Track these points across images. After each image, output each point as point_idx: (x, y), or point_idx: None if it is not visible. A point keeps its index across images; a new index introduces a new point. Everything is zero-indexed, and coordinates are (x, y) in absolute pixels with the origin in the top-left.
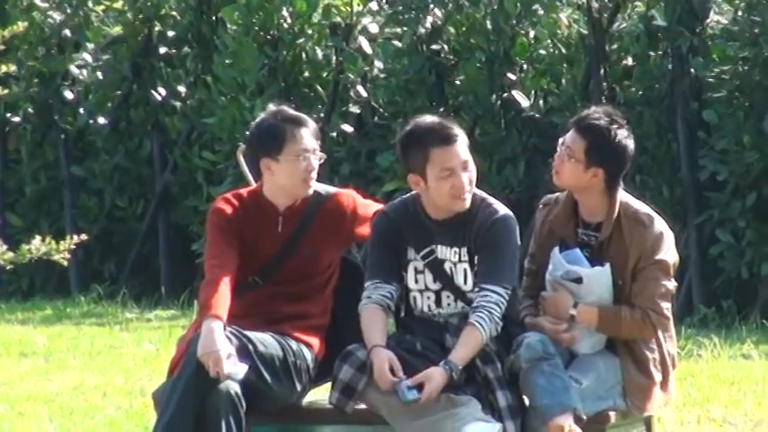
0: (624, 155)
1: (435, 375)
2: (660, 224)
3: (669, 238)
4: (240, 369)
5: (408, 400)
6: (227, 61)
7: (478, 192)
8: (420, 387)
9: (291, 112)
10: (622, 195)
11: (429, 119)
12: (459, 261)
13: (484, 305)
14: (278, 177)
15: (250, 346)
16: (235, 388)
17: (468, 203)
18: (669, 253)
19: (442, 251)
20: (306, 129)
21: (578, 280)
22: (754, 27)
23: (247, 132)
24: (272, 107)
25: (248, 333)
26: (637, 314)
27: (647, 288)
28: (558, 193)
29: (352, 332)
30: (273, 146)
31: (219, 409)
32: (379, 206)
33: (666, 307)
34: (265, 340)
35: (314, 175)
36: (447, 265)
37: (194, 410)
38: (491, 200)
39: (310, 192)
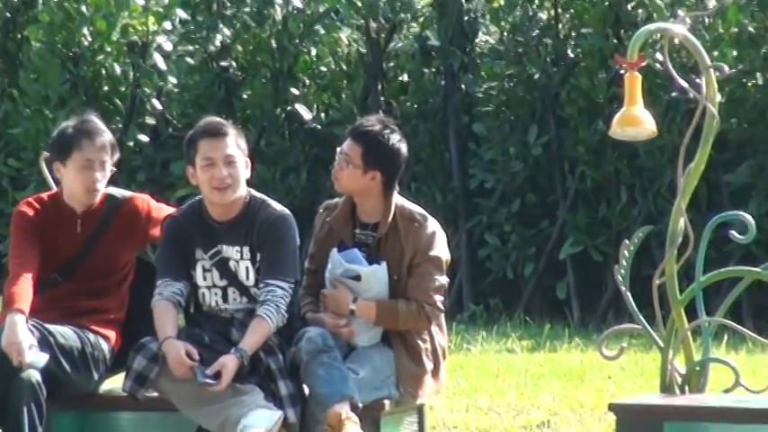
0: (399, 157)
1: (228, 362)
2: (433, 223)
3: (442, 237)
4: (41, 358)
5: (206, 383)
6: (31, 76)
7: (258, 194)
8: (217, 375)
9: (91, 123)
10: (398, 198)
11: (210, 118)
12: (242, 259)
13: (270, 299)
14: (65, 182)
15: (51, 338)
16: (36, 377)
17: (227, 197)
18: (442, 250)
19: (227, 250)
20: (95, 140)
21: (357, 277)
22: (518, 47)
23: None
24: (78, 115)
25: (49, 326)
26: (413, 307)
27: (422, 282)
28: (337, 199)
29: (146, 326)
30: (63, 152)
31: (21, 396)
32: (171, 210)
33: (440, 300)
34: (65, 332)
35: (98, 186)
36: (231, 263)
37: None
38: (270, 201)
39: (95, 200)
